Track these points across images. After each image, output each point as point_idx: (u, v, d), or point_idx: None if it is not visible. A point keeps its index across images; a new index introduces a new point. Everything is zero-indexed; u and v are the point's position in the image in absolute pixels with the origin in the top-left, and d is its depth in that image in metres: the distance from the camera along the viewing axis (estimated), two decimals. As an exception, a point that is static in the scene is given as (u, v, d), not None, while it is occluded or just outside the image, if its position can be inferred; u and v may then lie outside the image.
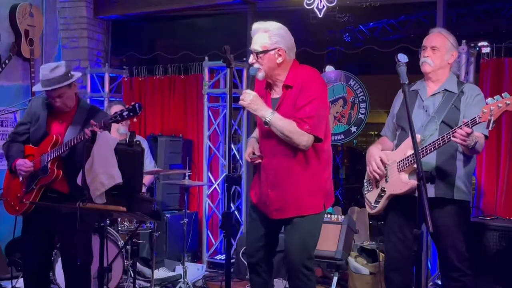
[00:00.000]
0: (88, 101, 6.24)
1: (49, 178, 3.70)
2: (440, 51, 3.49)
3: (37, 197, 3.74)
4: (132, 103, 3.36)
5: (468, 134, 3.06)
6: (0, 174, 4.32)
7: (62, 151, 3.65)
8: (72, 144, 3.61)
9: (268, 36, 3.19)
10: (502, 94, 2.99)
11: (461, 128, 3.09)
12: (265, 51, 3.19)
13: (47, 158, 3.68)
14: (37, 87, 3.77)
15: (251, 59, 3.24)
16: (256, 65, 3.22)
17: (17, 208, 3.81)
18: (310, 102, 3.14)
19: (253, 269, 3.46)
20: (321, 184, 3.29)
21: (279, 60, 3.21)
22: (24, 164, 3.74)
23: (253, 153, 3.34)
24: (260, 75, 3.23)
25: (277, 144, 3.21)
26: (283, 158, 3.22)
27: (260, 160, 3.32)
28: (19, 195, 3.81)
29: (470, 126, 3.07)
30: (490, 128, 3.00)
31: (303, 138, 3.11)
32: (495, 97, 3.00)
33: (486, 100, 3.04)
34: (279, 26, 3.24)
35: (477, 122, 3.05)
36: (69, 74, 3.72)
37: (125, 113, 3.35)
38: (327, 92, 3.33)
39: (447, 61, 3.52)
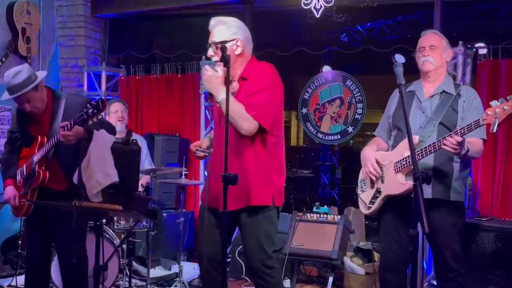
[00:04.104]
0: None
1: (36, 181, 3.70)
2: (439, 50, 3.52)
3: (32, 199, 3.75)
4: (96, 99, 3.35)
5: (459, 143, 3.09)
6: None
7: (45, 151, 3.65)
8: (52, 144, 3.60)
9: (226, 27, 3.24)
10: (508, 97, 3.01)
11: (451, 136, 3.12)
12: (223, 42, 3.20)
13: (35, 160, 3.69)
14: (5, 96, 3.66)
15: (210, 52, 3.26)
16: (215, 58, 3.24)
17: (17, 210, 3.86)
18: (260, 91, 3.17)
19: (207, 270, 3.41)
20: (270, 177, 3.27)
21: (238, 51, 3.24)
22: (9, 200, 3.81)
23: (200, 147, 3.40)
24: (219, 69, 3.21)
25: (233, 140, 3.22)
26: (233, 150, 3.22)
27: (202, 155, 3.40)
28: (18, 197, 3.83)
29: (474, 128, 3.10)
30: (494, 130, 3.02)
31: (246, 123, 3.14)
32: (499, 100, 3.03)
33: (490, 103, 3.07)
34: (236, 19, 3.30)
35: (481, 124, 3.08)
36: (33, 77, 3.60)
37: (90, 110, 3.32)
38: (280, 87, 3.30)
39: (445, 59, 3.57)
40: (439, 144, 3.21)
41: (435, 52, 3.51)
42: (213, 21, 3.29)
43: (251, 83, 3.23)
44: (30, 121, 3.78)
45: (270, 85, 3.22)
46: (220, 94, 3.13)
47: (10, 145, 3.94)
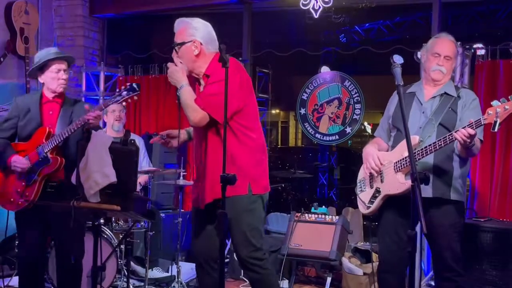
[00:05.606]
0: (83, 99, 6.25)
1: (52, 166, 3.72)
2: (452, 60, 3.53)
3: (39, 188, 3.75)
4: (128, 84, 3.38)
5: (471, 135, 3.09)
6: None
7: (60, 140, 3.68)
8: (71, 131, 3.65)
9: (185, 29, 3.30)
10: (509, 96, 3.02)
11: (464, 129, 3.11)
12: (181, 44, 3.27)
13: (45, 149, 3.70)
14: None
15: (173, 53, 3.33)
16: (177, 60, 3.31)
17: (19, 203, 3.78)
18: (212, 83, 3.20)
19: (203, 269, 3.42)
20: (243, 167, 3.22)
21: (196, 52, 3.28)
22: (19, 162, 3.75)
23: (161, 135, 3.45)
24: (179, 63, 3.28)
25: (202, 135, 3.28)
26: (206, 147, 3.28)
27: (162, 141, 3.44)
28: (19, 190, 3.79)
29: (474, 128, 3.10)
30: (495, 130, 3.03)
31: (193, 113, 3.18)
32: (500, 100, 3.04)
33: (492, 102, 3.07)
34: (198, 20, 3.34)
35: (482, 123, 3.09)
36: None
37: (124, 92, 3.36)
38: (238, 78, 3.23)
39: (453, 67, 3.61)
40: (443, 141, 3.21)
41: (449, 62, 3.51)
42: (176, 22, 3.36)
43: (210, 78, 3.28)
44: (43, 109, 3.84)
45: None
46: (180, 86, 3.21)
47: (1, 132, 3.91)
